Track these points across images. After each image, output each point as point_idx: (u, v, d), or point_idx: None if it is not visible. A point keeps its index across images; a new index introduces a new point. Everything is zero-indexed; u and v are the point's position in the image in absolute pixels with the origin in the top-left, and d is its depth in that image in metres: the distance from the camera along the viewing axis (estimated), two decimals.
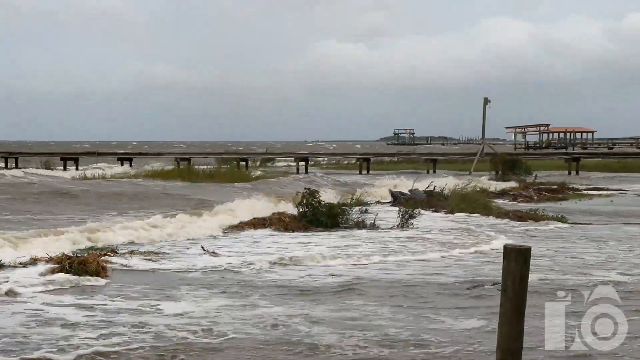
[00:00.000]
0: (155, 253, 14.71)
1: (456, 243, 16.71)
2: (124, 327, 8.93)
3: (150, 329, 8.86)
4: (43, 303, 10.22)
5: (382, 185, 32.50)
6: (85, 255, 12.88)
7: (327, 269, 13.23)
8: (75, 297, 10.58)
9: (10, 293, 10.67)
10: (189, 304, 10.24)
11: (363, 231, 18.95)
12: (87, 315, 9.50)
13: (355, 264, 13.86)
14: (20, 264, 12.77)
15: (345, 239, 17.42)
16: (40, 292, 10.94)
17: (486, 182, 35.67)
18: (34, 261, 12.91)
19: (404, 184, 31.58)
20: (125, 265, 13.28)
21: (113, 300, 10.41)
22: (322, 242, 16.77)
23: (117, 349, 8.04)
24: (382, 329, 8.86)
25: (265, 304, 10.24)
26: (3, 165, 57.01)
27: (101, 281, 11.72)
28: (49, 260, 12.82)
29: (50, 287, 11.22)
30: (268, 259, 14.01)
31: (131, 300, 10.41)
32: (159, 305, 10.15)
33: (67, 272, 11.87)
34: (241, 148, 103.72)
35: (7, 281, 11.40)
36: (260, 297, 10.72)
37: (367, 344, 8.23)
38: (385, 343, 8.30)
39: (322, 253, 14.74)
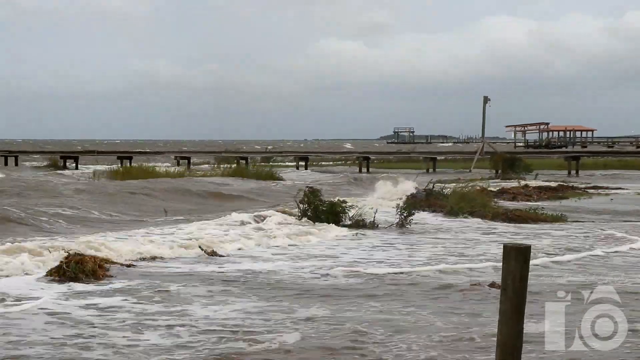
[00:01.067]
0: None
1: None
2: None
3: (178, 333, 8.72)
4: (56, 304, 9.98)
5: None
6: (83, 254, 12.75)
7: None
8: (85, 299, 10.38)
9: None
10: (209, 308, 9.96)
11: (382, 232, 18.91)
12: (111, 318, 9.34)
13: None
14: (22, 263, 12.58)
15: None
16: (53, 293, 10.66)
17: (486, 180, 35.59)
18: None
19: None
20: (128, 266, 13.09)
21: (129, 301, 10.24)
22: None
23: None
24: None
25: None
26: (3, 163, 57.00)
27: (105, 283, 11.51)
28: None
29: (57, 289, 10.97)
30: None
31: (146, 304, 10.19)
32: (182, 309, 9.88)
33: (64, 271, 11.71)
34: (258, 147, 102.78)
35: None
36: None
37: None
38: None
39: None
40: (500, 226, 20.16)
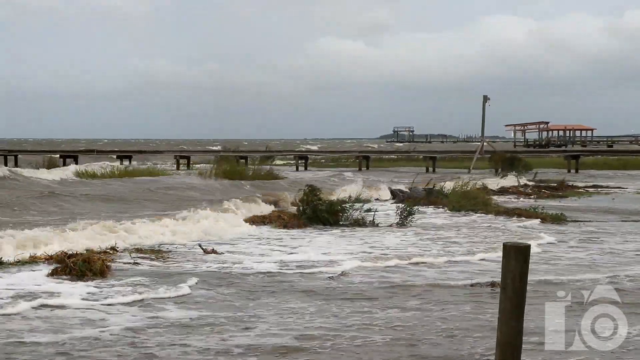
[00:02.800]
0: (157, 252, 14.47)
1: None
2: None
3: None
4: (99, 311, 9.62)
5: None
6: (90, 253, 12.72)
7: None
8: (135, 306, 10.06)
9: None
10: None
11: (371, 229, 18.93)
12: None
13: None
14: (18, 262, 12.47)
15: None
16: (83, 298, 10.29)
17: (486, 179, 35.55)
18: (33, 259, 12.64)
19: None
20: (132, 264, 12.99)
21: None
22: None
23: None
24: None
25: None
26: (3, 163, 56.76)
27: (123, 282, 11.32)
28: (49, 258, 12.54)
29: (85, 293, 10.64)
30: None
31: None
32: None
33: (70, 271, 11.62)
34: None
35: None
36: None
37: None
38: None
39: None
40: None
